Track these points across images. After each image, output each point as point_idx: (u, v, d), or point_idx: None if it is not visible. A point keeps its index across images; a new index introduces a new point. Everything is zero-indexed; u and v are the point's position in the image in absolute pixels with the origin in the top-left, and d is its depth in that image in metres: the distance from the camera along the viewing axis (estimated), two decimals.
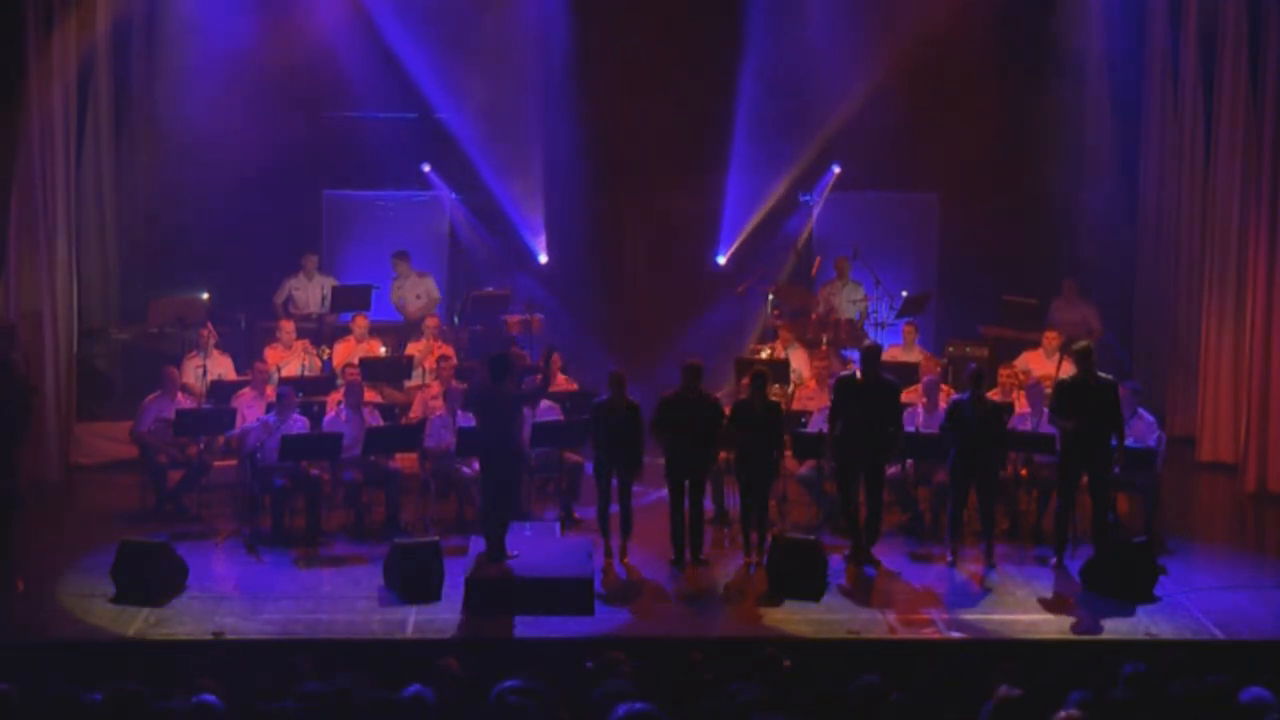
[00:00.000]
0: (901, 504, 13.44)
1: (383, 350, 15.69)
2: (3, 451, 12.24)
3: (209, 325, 15.39)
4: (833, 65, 17.42)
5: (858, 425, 12.40)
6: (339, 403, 13.85)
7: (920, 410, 13.58)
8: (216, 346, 15.25)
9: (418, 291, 17.23)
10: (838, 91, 17.68)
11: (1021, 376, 14.38)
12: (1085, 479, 12.41)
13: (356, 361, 14.72)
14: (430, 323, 15.82)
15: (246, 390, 14.37)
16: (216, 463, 14.29)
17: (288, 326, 15.62)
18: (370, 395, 14.56)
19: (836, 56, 17.42)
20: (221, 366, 15.12)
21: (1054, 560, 12.56)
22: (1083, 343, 12.98)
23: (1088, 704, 7.52)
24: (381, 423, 13.79)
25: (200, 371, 14.77)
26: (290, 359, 15.27)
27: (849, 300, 17.24)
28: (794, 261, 18.40)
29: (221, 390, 14.49)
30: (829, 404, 13.62)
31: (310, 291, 16.92)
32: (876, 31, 17.55)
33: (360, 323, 15.79)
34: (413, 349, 15.72)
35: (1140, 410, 13.34)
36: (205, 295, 16.55)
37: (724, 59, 18.19)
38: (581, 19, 17.90)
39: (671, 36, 18.12)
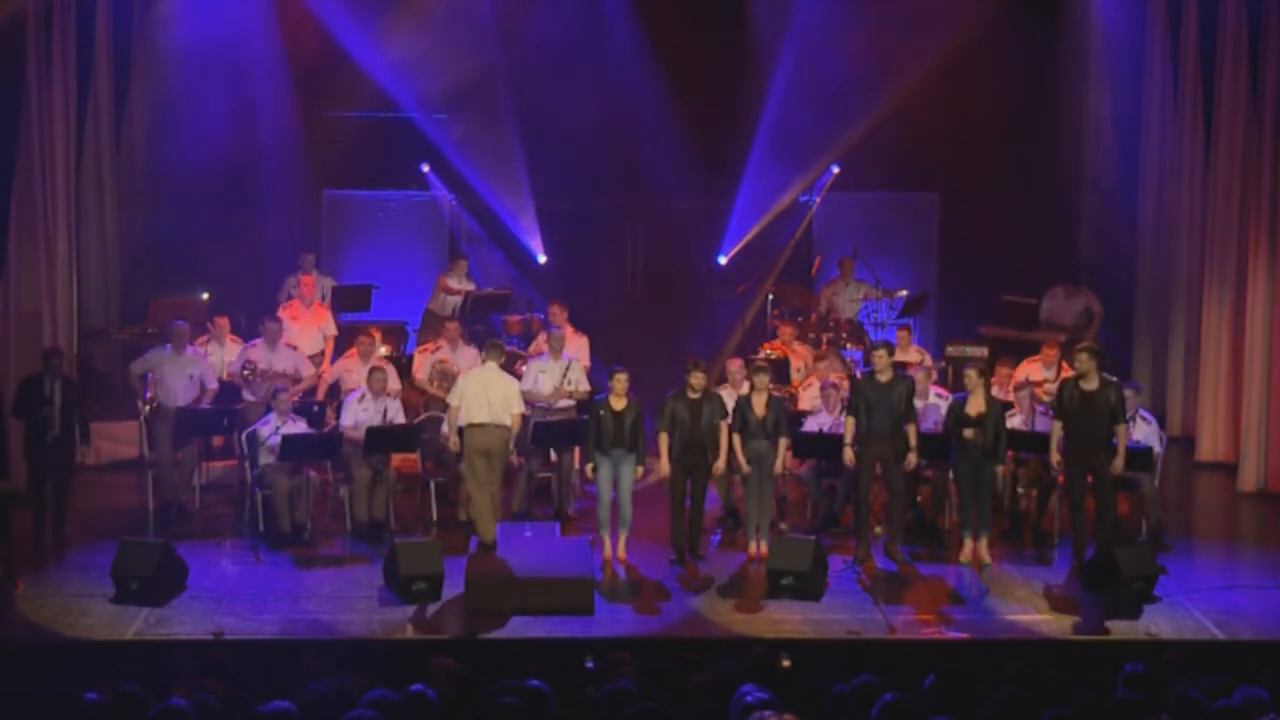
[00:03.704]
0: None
1: (384, 351, 15.55)
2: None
3: (225, 318, 15.27)
4: (841, 68, 17.43)
5: (878, 422, 12.39)
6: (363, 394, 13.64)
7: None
8: (232, 334, 15.18)
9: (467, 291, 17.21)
10: (848, 95, 17.68)
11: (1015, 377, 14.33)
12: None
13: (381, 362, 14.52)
14: (450, 326, 15.44)
15: (258, 341, 14.41)
16: (216, 463, 14.32)
17: (308, 281, 15.76)
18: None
19: (843, 58, 17.43)
20: (233, 354, 15.06)
21: (1055, 560, 12.56)
22: (1088, 343, 12.96)
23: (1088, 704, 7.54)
24: (404, 418, 13.75)
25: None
26: (304, 322, 15.17)
27: (849, 300, 17.25)
28: (788, 257, 18.43)
29: (230, 391, 14.39)
30: (823, 402, 13.62)
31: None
32: (879, 33, 17.56)
33: (366, 343, 15.36)
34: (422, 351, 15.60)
35: (1141, 411, 13.33)
36: (205, 295, 16.54)
37: (736, 61, 18.23)
38: (596, 21, 17.94)
39: (682, 35, 18.17)
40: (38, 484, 12.91)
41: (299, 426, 13.23)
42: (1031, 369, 14.69)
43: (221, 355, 14.81)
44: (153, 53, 17.48)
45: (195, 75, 17.20)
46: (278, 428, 13.02)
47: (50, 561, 12.47)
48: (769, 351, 15.59)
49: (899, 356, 15.11)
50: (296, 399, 13.81)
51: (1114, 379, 12.55)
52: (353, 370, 14.36)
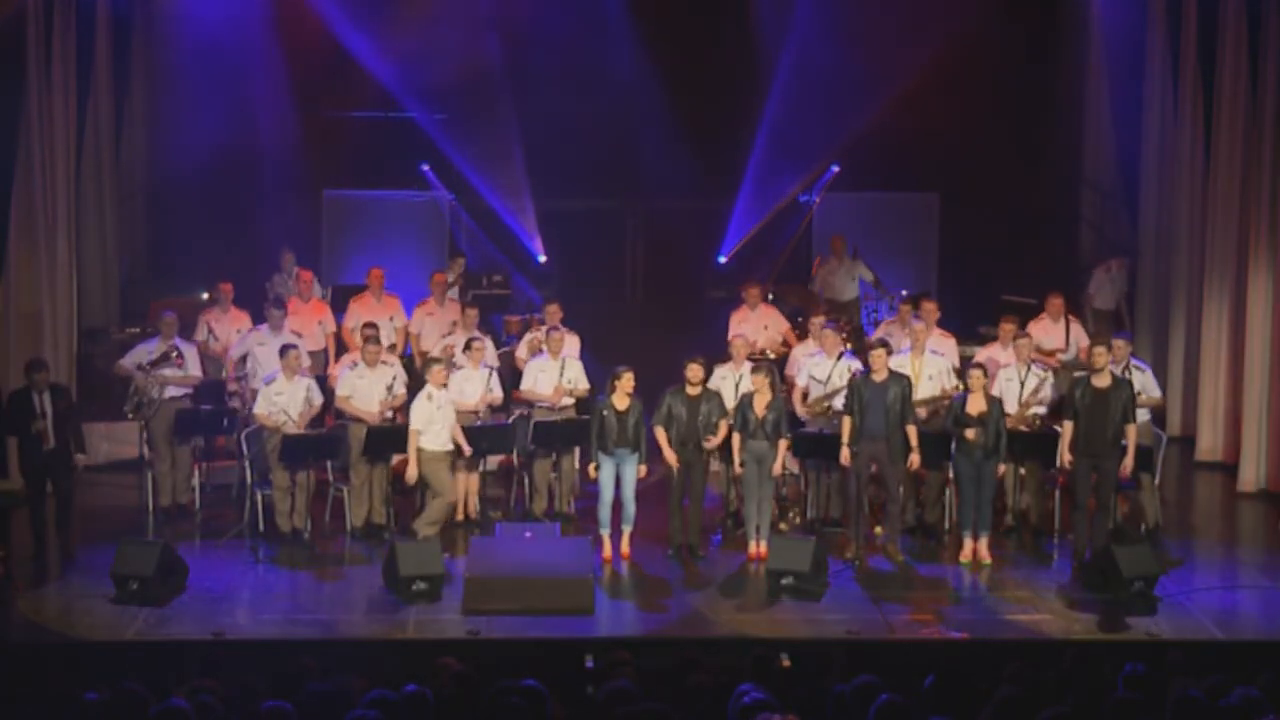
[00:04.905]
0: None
1: (393, 321, 15.47)
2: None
3: (229, 284, 15.20)
4: (841, 68, 17.44)
5: (873, 423, 12.39)
6: (355, 362, 13.53)
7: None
8: (234, 303, 15.12)
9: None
10: (848, 95, 17.69)
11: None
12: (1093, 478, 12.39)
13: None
14: (470, 313, 15.32)
15: (263, 327, 14.35)
16: (217, 463, 14.31)
17: (306, 277, 15.63)
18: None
19: (843, 58, 17.44)
20: (239, 322, 15.01)
21: (1055, 560, 12.56)
22: (1104, 339, 12.95)
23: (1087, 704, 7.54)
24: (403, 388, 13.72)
25: (206, 329, 14.72)
26: (303, 317, 15.16)
27: (848, 277, 17.21)
28: (788, 256, 18.45)
29: (214, 389, 14.38)
30: (821, 345, 13.54)
31: (290, 289, 16.58)
32: (880, 34, 17.57)
33: (376, 276, 15.46)
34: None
35: (1135, 360, 13.15)
36: (205, 295, 16.54)
37: (736, 61, 18.25)
38: (596, 21, 17.97)
39: (682, 35, 18.20)
40: (37, 493, 12.64)
41: (304, 386, 13.13)
42: (1039, 329, 14.63)
43: (226, 324, 14.79)
44: (153, 53, 17.49)
45: (195, 75, 17.23)
46: (280, 394, 12.97)
47: (50, 562, 12.45)
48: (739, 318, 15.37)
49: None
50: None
51: (1125, 376, 12.55)
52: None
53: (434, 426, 12.61)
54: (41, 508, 12.56)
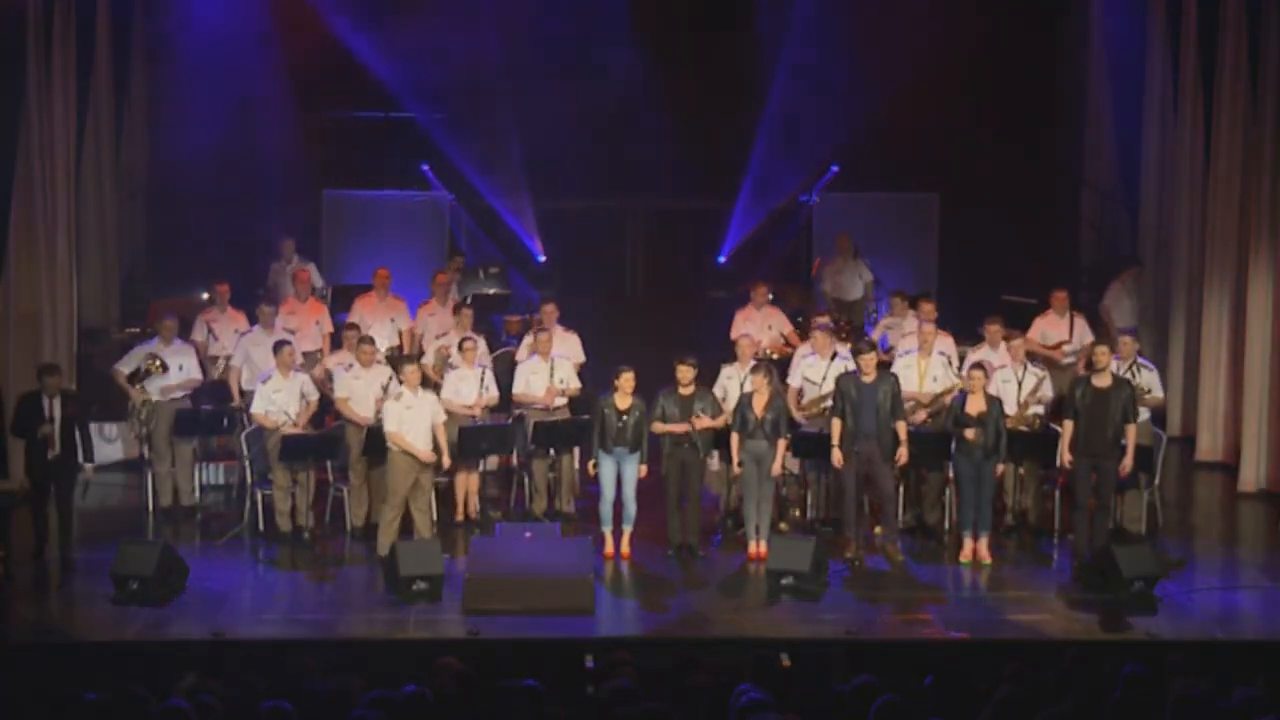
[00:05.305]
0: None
1: (394, 322, 15.44)
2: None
3: (226, 285, 15.17)
4: (841, 67, 17.45)
5: (864, 422, 12.38)
6: (350, 364, 13.47)
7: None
8: (231, 303, 15.10)
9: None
10: (848, 95, 17.70)
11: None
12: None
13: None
14: (465, 312, 15.11)
15: (255, 329, 14.33)
16: (218, 462, 14.30)
17: (304, 275, 15.56)
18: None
19: (843, 58, 17.45)
20: (237, 322, 14.99)
21: (1055, 560, 12.56)
22: (1107, 340, 12.97)
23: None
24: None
25: (205, 329, 14.72)
26: (301, 317, 15.12)
27: (856, 276, 17.19)
28: (787, 256, 18.47)
29: (215, 389, 14.39)
30: (813, 347, 13.54)
31: (288, 279, 16.48)
32: (880, 34, 17.58)
33: (382, 277, 15.41)
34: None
35: (1141, 359, 13.17)
36: (205, 295, 16.54)
37: (737, 61, 18.26)
38: (596, 20, 18.00)
39: (682, 35, 18.22)
40: (41, 496, 12.57)
41: (299, 382, 13.13)
42: (1045, 323, 14.61)
43: (224, 324, 14.79)
44: (153, 53, 17.50)
45: (195, 75, 17.24)
46: (277, 389, 12.98)
47: (51, 562, 12.44)
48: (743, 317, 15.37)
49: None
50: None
51: (1129, 374, 12.55)
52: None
53: (403, 427, 12.55)
54: (44, 510, 12.53)
